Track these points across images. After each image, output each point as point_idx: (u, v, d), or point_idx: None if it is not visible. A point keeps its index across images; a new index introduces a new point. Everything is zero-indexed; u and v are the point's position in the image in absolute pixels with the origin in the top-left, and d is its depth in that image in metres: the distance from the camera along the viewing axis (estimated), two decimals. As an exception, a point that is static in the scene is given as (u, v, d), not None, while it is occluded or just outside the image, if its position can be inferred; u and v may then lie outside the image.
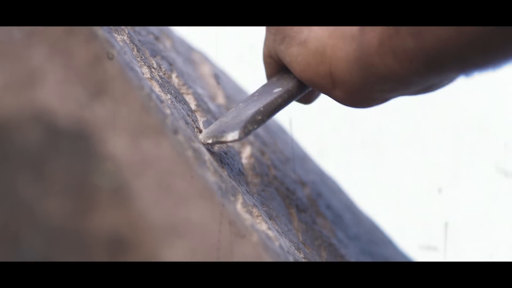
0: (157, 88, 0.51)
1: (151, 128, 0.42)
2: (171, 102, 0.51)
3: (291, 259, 0.48)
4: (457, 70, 0.46)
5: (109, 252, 0.38)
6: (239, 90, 0.75)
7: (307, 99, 0.58)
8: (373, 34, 0.47)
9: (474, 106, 1.00)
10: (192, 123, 0.53)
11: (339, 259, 0.59)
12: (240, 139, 0.51)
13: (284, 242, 0.51)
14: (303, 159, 0.74)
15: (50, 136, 0.39)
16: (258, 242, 0.45)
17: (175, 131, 0.45)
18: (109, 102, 0.42)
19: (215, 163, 0.50)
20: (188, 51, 0.69)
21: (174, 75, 0.58)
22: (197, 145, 0.49)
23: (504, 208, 0.98)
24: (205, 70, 0.68)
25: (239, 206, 0.48)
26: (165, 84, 0.53)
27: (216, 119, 0.58)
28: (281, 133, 0.75)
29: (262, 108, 0.53)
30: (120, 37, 0.51)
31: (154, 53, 0.57)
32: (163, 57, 0.58)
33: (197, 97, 0.59)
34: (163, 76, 0.55)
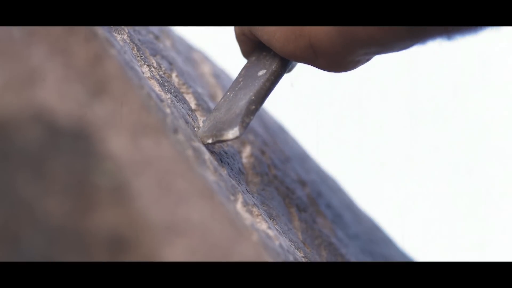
0: (157, 88, 0.51)
1: (151, 127, 0.42)
2: (171, 101, 0.51)
3: (291, 258, 0.48)
4: (440, 34, 0.46)
5: (109, 251, 0.38)
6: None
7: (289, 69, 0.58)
8: None
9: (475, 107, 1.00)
10: (192, 122, 0.53)
11: (339, 259, 0.59)
12: (241, 135, 0.51)
13: (284, 241, 0.51)
14: (303, 158, 0.74)
15: (50, 135, 0.39)
16: (258, 242, 0.45)
17: (175, 130, 0.45)
18: (109, 101, 0.42)
19: (215, 162, 0.50)
20: (188, 50, 0.69)
21: (174, 74, 0.58)
22: (197, 144, 0.49)
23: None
24: (205, 69, 0.68)
25: (239, 206, 0.48)
26: (165, 83, 0.53)
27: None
28: (281, 132, 0.75)
29: (253, 97, 0.52)
30: (120, 36, 0.51)
31: (154, 53, 0.57)
32: (163, 57, 0.58)
33: (197, 96, 0.59)
34: (163, 75, 0.55)
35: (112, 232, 0.39)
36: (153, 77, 0.52)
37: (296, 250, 0.52)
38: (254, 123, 0.67)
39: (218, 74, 0.70)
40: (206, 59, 0.71)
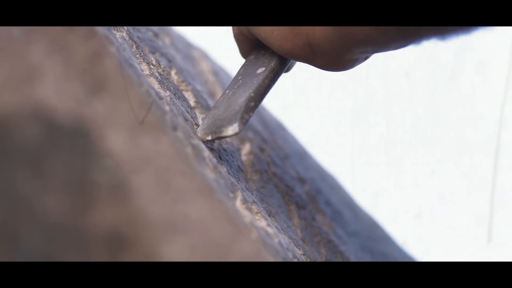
0: (156, 85, 0.51)
1: (150, 124, 0.42)
2: (170, 99, 0.51)
3: (290, 256, 0.48)
4: (433, 34, 0.47)
5: (109, 249, 0.38)
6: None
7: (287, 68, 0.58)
8: None
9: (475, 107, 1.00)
10: (191, 119, 0.53)
11: (338, 256, 0.59)
12: (240, 131, 0.51)
13: (284, 239, 0.51)
14: (303, 156, 0.74)
15: (49, 132, 0.39)
16: (258, 239, 0.45)
17: (174, 128, 0.45)
18: (108, 99, 0.42)
19: (214, 160, 0.50)
20: (187, 48, 0.69)
21: (173, 72, 0.58)
22: (196, 141, 0.49)
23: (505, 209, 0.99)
24: (204, 66, 0.68)
25: (238, 203, 0.48)
26: (164, 80, 0.53)
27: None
28: (280, 130, 0.75)
29: (252, 94, 0.52)
30: (119, 34, 0.51)
31: (153, 50, 0.57)
32: (162, 54, 0.58)
33: (196, 94, 0.59)
34: (162, 73, 0.55)
35: (111, 229, 0.39)
36: (152, 74, 0.52)
37: (296, 248, 0.53)
38: (253, 120, 0.67)
39: (217, 71, 0.70)
40: (205, 56, 0.71)
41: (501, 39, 0.94)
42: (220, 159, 0.52)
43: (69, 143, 0.39)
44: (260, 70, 0.54)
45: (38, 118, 0.39)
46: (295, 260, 0.49)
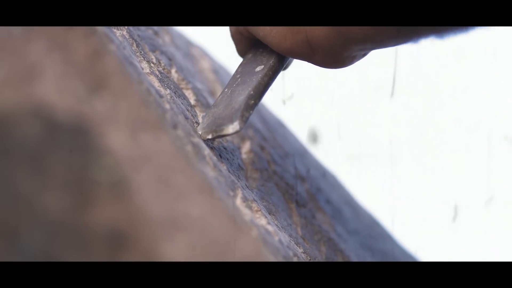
0: (156, 83, 0.51)
1: (150, 122, 0.42)
2: (171, 97, 0.51)
3: (290, 254, 0.48)
4: (431, 32, 0.47)
5: (109, 247, 0.38)
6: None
7: (285, 66, 0.59)
8: None
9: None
10: (192, 118, 0.53)
11: (338, 254, 0.59)
12: (241, 129, 0.51)
13: (284, 237, 0.51)
14: (303, 154, 0.74)
15: (49, 130, 0.39)
16: (258, 237, 0.45)
17: (175, 126, 0.45)
18: (108, 97, 0.42)
19: (214, 158, 0.50)
20: (187, 46, 0.69)
21: (173, 70, 0.58)
22: (197, 140, 0.48)
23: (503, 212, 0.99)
24: (205, 65, 0.68)
25: (238, 201, 0.48)
26: (164, 79, 0.53)
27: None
28: (280, 128, 0.75)
29: (252, 92, 0.52)
30: (119, 32, 0.51)
31: (154, 48, 0.57)
32: (162, 52, 0.58)
33: (197, 92, 0.59)
34: (162, 71, 0.55)
35: (111, 227, 0.39)
36: (152, 72, 0.52)
37: (296, 246, 0.53)
38: (254, 118, 0.67)
39: (217, 69, 0.70)
40: (205, 54, 0.71)
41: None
42: (221, 157, 0.52)
43: (69, 141, 0.39)
44: (258, 68, 0.54)
45: (38, 116, 0.39)
46: (295, 258, 0.49)
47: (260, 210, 0.50)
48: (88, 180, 0.39)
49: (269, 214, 0.53)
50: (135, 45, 0.53)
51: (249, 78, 0.54)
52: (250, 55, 0.56)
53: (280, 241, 0.48)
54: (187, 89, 0.58)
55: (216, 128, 0.51)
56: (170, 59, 0.59)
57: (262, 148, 0.63)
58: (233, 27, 0.56)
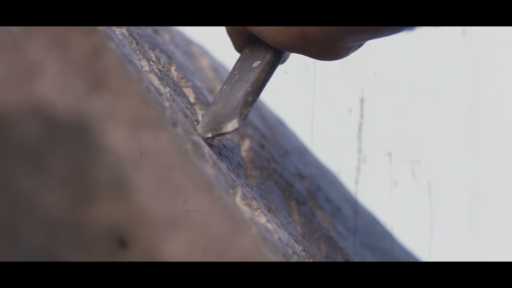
0: (156, 81, 0.51)
1: (150, 121, 0.42)
2: (170, 95, 0.51)
3: (290, 252, 0.49)
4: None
5: (108, 245, 0.38)
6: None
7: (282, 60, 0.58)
8: None
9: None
10: (191, 116, 0.53)
11: (338, 252, 0.59)
12: (240, 126, 0.50)
13: (283, 235, 0.51)
14: (302, 152, 0.74)
15: (49, 129, 0.39)
16: (257, 235, 0.45)
17: (174, 124, 0.45)
18: (108, 95, 0.42)
19: (214, 156, 0.50)
20: (187, 44, 0.69)
21: (173, 68, 0.58)
22: (196, 138, 0.49)
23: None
24: (204, 63, 0.68)
25: (238, 199, 0.48)
26: (164, 77, 0.53)
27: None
28: (280, 126, 0.75)
29: (250, 88, 0.52)
30: (119, 30, 0.51)
31: (153, 46, 0.57)
32: (162, 50, 0.58)
33: (196, 90, 0.59)
34: (162, 69, 0.55)
35: (111, 225, 0.39)
36: (152, 71, 0.52)
37: (295, 244, 0.53)
38: (253, 116, 0.67)
39: (217, 68, 0.70)
40: (205, 53, 0.71)
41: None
42: (220, 155, 0.52)
43: (69, 140, 0.39)
44: (256, 64, 0.54)
45: (38, 115, 0.39)
46: (295, 256, 0.49)
47: (259, 208, 0.50)
48: (88, 178, 0.39)
49: (269, 212, 0.53)
50: (134, 43, 0.53)
51: (247, 74, 0.54)
52: (247, 50, 0.56)
53: (279, 239, 0.48)
54: (186, 87, 0.58)
55: (216, 126, 0.51)
56: (169, 57, 0.59)
57: (262, 146, 0.63)
58: None
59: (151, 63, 0.53)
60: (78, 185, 0.38)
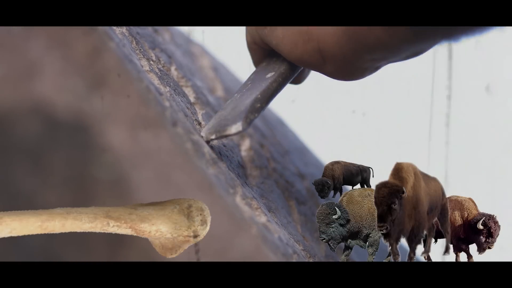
0: (156, 81, 0.51)
1: (150, 120, 0.42)
2: (170, 95, 0.51)
3: (290, 251, 0.49)
4: (445, 35, 0.47)
5: (108, 244, 0.38)
6: (238, 82, 0.75)
7: (297, 79, 0.58)
8: None
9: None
10: (191, 115, 0.53)
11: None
12: (244, 130, 0.51)
13: (283, 234, 0.51)
14: (302, 151, 0.74)
15: (48, 128, 0.39)
16: (257, 234, 0.45)
17: (174, 123, 0.45)
18: (108, 95, 0.42)
19: (214, 156, 0.50)
20: (187, 44, 0.69)
21: (173, 68, 0.58)
22: (196, 137, 0.49)
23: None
24: (204, 62, 0.68)
25: (238, 199, 0.48)
26: (164, 76, 0.53)
27: (215, 111, 0.58)
28: (280, 125, 0.75)
29: (259, 96, 0.52)
30: (119, 29, 0.51)
31: (153, 46, 0.57)
32: (162, 50, 0.58)
33: (196, 90, 0.59)
34: (162, 68, 0.55)
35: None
36: (152, 70, 0.52)
37: (295, 243, 0.53)
38: (253, 116, 0.67)
39: (217, 67, 0.70)
40: (205, 52, 0.71)
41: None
42: (220, 154, 0.52)
43: (69, 139, 0.39)
44: (269, 75, 0.54)
45: (38, 114, 0.39)
46: (295, 256, 0.49)
47: (259, 207, 0.50)
48: (87, 177, 0.39)
49: (269, 211, 0.53)
50: (134, 42, 0.53)
51: (259, 83, 0.54)
52: (264, 63, 0.57)
53: (279, 238, 0.48)
54: (186, 86, 0.58)
55: (220, 128, 0.51)
56: (169, 57, 0.59)
57: (262, 145, 0.63)
58: (249, 37, 0.56)
59: (151, 62, 0.53)
60: (78, 184, 0.38)
